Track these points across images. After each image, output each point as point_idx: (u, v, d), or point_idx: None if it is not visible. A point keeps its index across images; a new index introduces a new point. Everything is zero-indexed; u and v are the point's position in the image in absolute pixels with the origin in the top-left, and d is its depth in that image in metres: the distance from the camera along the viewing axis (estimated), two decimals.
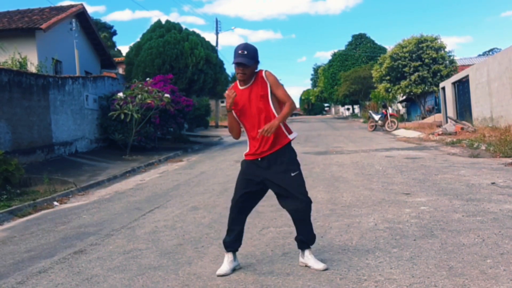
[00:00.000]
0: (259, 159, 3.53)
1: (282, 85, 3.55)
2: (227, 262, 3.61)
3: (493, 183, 6.61)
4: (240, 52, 3.43)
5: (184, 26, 20.49)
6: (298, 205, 3.46)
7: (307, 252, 3.58)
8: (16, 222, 6.47)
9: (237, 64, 3.44)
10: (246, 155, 3.62)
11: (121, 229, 5.39)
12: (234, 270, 3.61)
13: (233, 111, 3.56)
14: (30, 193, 8.25)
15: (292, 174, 3.48)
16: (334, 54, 50.80)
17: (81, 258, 4.32)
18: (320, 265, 3.51)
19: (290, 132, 3.60)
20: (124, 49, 49.31)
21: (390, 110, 22.72)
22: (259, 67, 3.59)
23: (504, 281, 3.03)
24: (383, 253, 3.78)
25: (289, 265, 3.65)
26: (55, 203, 7.71)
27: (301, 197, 3.46)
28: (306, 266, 3.57)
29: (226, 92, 3.55)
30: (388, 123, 21.47)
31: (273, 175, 3.50)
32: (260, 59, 3.54)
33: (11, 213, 6.79)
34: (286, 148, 3.53)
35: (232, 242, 3.65)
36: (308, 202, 3.49)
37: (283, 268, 3.60)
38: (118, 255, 4.30)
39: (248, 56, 3.43)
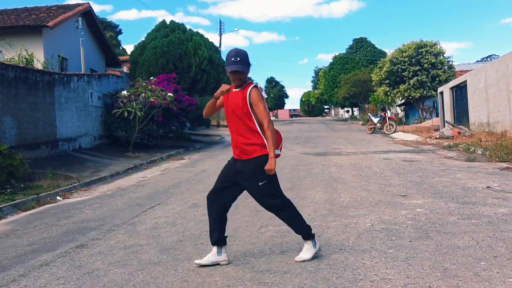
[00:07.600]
0: (234, 158, 3.71)
1: (262, 103, 3.57)
2: (210, 254, 3.75)
3: (488, 187, 6.67)
4: (233, 59, 3.55)
5: (188, 27, 20.60)
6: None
7: (304, 242, 3.77)
8: (19, 216, 6.55)
9: (233, 73, 3.57)
10: None
11: (122, 225, 5.46)
12: (218, 264, 3.72)
13: (218, 101, 3.74)
14: (34, 187, 8.34)
15: (260, 183, 3.58)
16: (335, 57, 50.85)
17: (82, 252, 4.38)
18: (299, 256, 3.73)
19: (274, 147, 3.56)
20: (129, 48, 49.48)
21: (388, 113, 22.76)
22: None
23: (497, 283, 3.08)
24: (379, 254, 3.83)
25: (287, 263, 3.69)
26: (58, 197, 7.80)
27: (265, 207, 3.72)
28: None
29: (225, 86, 3.63)
30: (387, 126, 21.51)
31: (241, 181, 3.69)
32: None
33: (14, 206, 6.88)
34: (256, 160, 3.58)
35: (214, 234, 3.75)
36: (276, 207, 3.69)
37: (281, 266, 3.64)
38: (119, 250, 4.35)
39: (241, 62, 3.55)
